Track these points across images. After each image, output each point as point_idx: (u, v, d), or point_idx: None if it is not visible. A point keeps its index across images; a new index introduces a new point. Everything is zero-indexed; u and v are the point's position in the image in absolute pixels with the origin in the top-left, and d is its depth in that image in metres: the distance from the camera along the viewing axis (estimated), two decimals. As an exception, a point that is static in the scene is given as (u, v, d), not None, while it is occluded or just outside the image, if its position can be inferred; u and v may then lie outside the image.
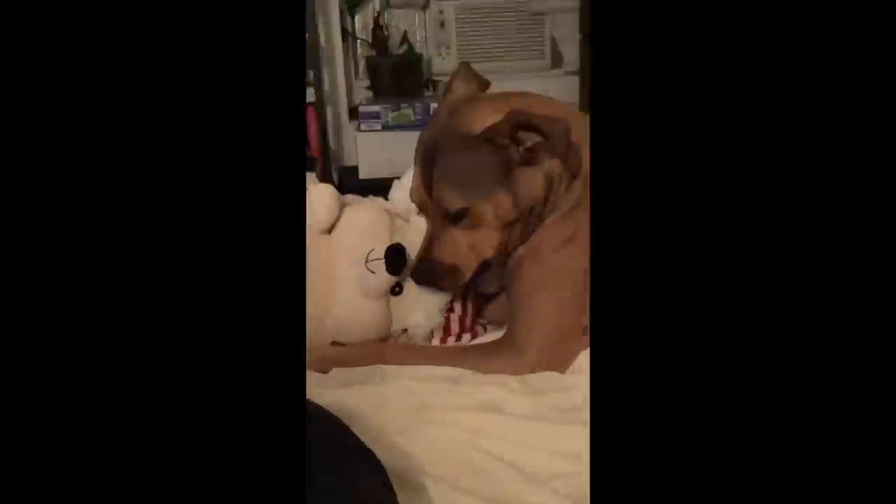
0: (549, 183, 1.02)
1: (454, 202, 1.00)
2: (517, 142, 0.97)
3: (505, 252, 1.06)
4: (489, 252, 1.04)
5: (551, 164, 1.01)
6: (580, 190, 1.04)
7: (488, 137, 0.97)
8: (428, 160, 1.01)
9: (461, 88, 1.11)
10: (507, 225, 1.02)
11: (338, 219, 1.09)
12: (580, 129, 1.01)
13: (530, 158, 0.99)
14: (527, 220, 1.04)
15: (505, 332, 1.08)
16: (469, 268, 1.05)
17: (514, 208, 1.01)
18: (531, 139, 0.96)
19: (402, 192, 1.19)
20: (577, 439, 0.83)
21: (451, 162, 0.99)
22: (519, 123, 0.96)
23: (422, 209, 1.07)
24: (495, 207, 1.00)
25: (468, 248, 1.03)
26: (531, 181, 1.01)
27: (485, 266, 1.07)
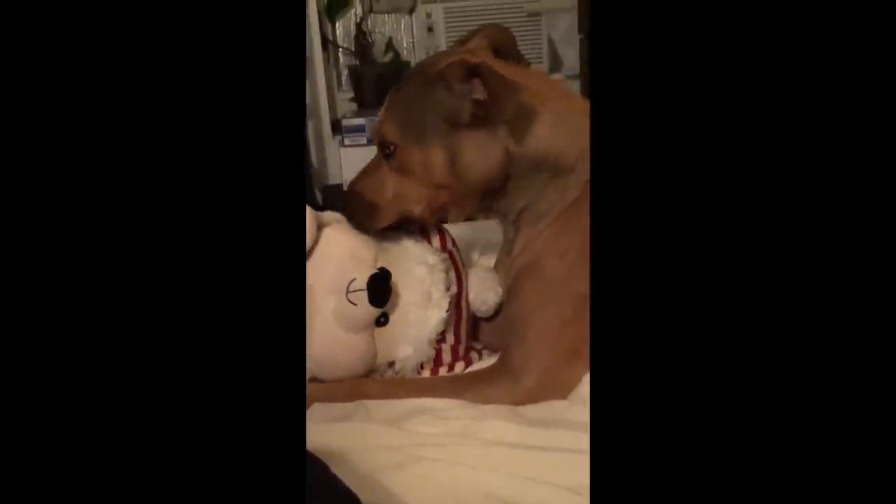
0: (504, 166, 1.05)
1: (388, 135, 1.05)
2: (470, 93, 1.00)
3: (437, 218, 1.11)
4: (413, 207, 1.09)
5: (508, 146, 1.04)
6: (575, 190, 1.06)
7: (443, 75, 1.01)
8: (391, 97, 1.07)
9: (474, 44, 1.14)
10: (439, 188, 1.06)
11: (316, 241, 1.07)
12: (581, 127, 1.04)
13: (480, 120, 1.01)
14: (471, 197, 1.08)
15: (500, 356, 1.08)
16: (388, 213, 1.09)
17: (447, 172, 1.04)
18: (481, 93, 0.99)
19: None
20: (585, 470, 0.83)
21: (402, 95, 1.05)
22: (472, 69, 0.99)
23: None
24: (425, 160, 1.04)
25: (392, 192, 1.08)
26: (479, 151, 1.04)
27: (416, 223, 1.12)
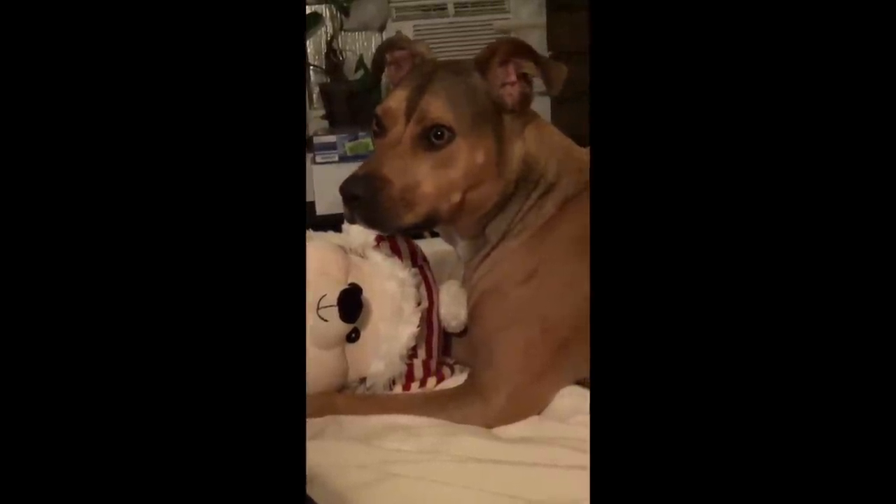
0: (529, 165, 1.05)
1: (444, 119, 0.97)
2: (509, 74, 1.01)
3: (447, 222, 1.04)
4: (445, 204, 1.00)
5: (537, 146, 1.05)
6: (552, 209, 1.06)
7: (482, 61, 1.01)
8: (421, 82, 1.01)
9: None
10: (477, 183, 1.01)
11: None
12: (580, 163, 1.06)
13: (522, 106, 1.02)
14: (492, 200, 1.04)
15: (468, 378, 1.08)
16: (421, 209, 0.98)
17: (493, 164, 1.01)
18: (530, 70, 0.99)
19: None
20: (567, 484, 0.84)
21: (446, 83, 1.00)
22: (515, 49, 0.99)
23: (385, 126, 1.00)
24: (475, 150, 0.99)
25: (433, 184, 0.97)
26: (522, 139, 1.04)
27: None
